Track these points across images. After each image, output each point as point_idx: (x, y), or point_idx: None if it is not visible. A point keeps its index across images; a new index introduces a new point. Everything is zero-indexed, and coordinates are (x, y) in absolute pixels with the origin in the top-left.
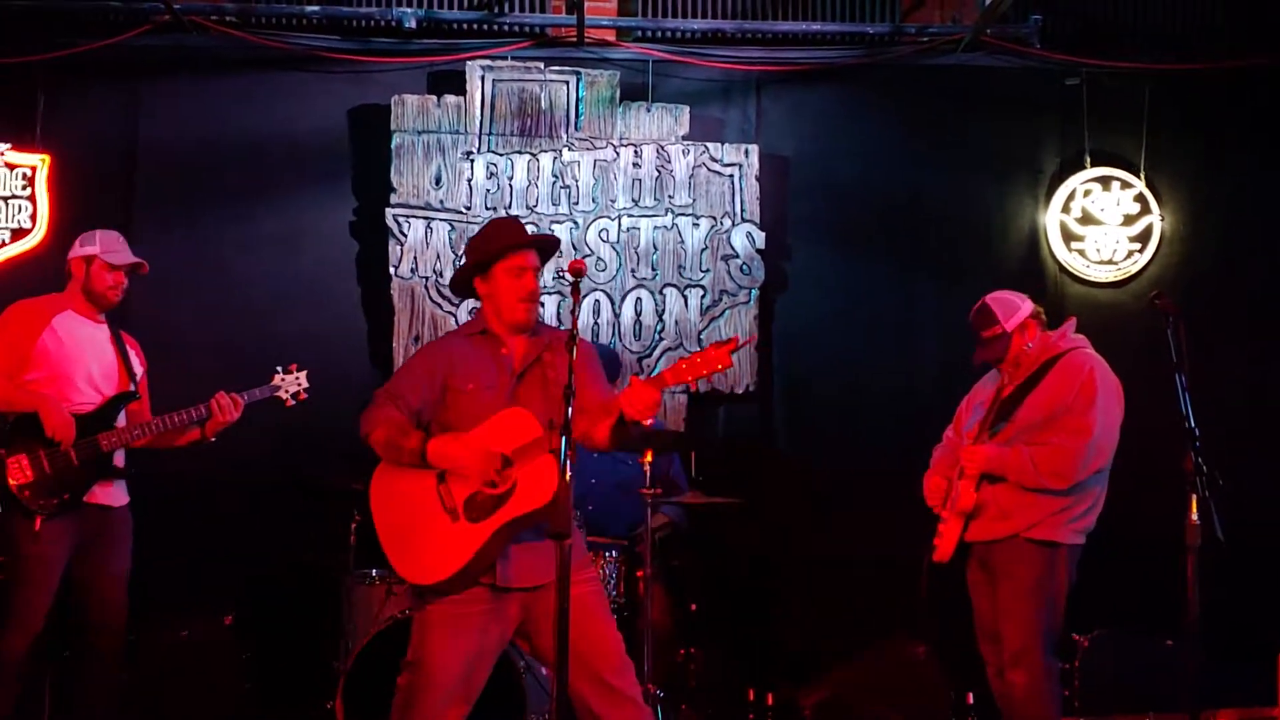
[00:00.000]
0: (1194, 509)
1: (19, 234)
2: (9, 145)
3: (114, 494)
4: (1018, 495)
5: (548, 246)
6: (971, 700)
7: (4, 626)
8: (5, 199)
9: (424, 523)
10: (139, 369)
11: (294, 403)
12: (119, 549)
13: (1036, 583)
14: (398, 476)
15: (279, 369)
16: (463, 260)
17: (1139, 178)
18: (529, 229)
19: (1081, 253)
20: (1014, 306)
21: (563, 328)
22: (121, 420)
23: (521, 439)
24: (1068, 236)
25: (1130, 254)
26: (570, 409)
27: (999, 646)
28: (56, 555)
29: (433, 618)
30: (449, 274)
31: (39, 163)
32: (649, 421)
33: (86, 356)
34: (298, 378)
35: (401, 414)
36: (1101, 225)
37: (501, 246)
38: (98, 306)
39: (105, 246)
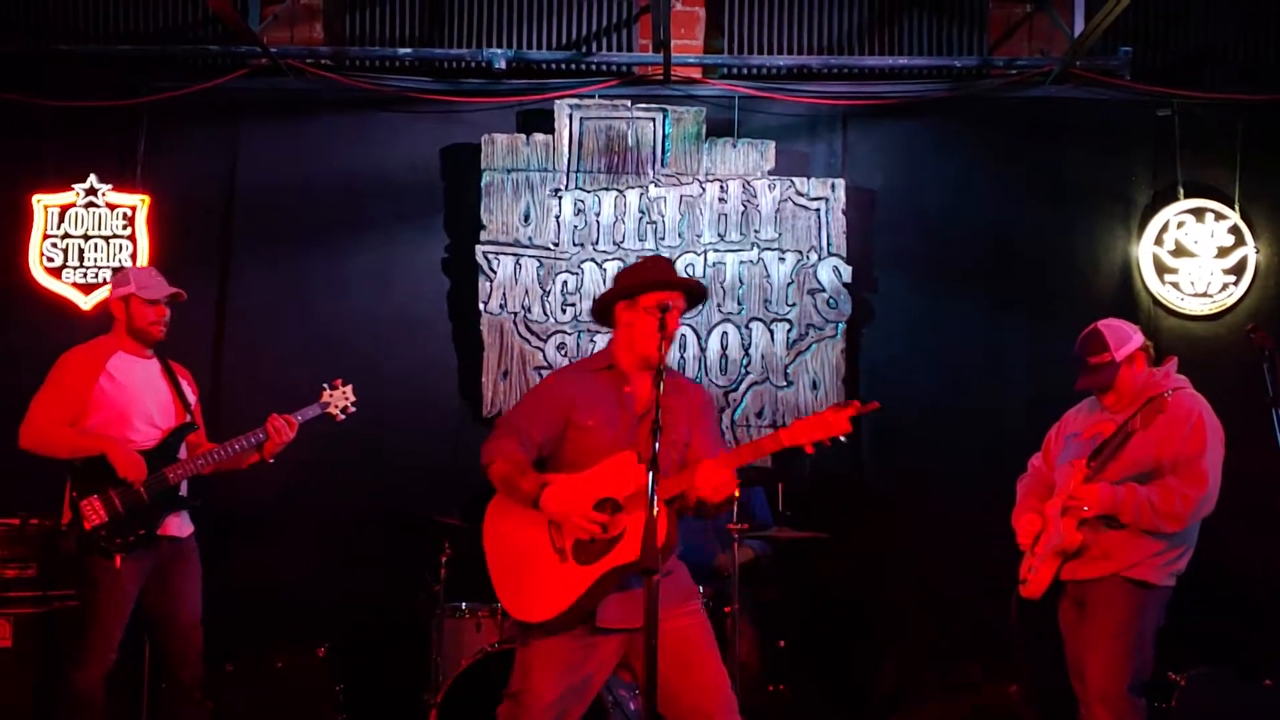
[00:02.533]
0: None
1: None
2: (110, 186)
3: (181, 525)
4: (1120, 535)
5: (696, 293)
6: None
7: (80, 659)
8: (106, 238)
9: (533, 561)
10: (192, 398)
11: (344, 417)
12: (191, 579)
13: (1127, 621)
14: (511, 511)
15: (325, 385)
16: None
17: (1233, 209)
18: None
19: (1175, 285)
20: (1126, 336)
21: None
22: (183, 451)
23: (635, 484)
24: (1161, 269)
25: (1225, 286)
26: (658, 443)
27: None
28: (132, 589)
29: (536, 651)
30: (537, 310)
31: (139, 203)
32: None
33: (143, 395)
34: (344, 392)
35: (522, 450)
36: (1195, 257)
37: (652, 280)
38: (144, 343)
39: (140, 283)
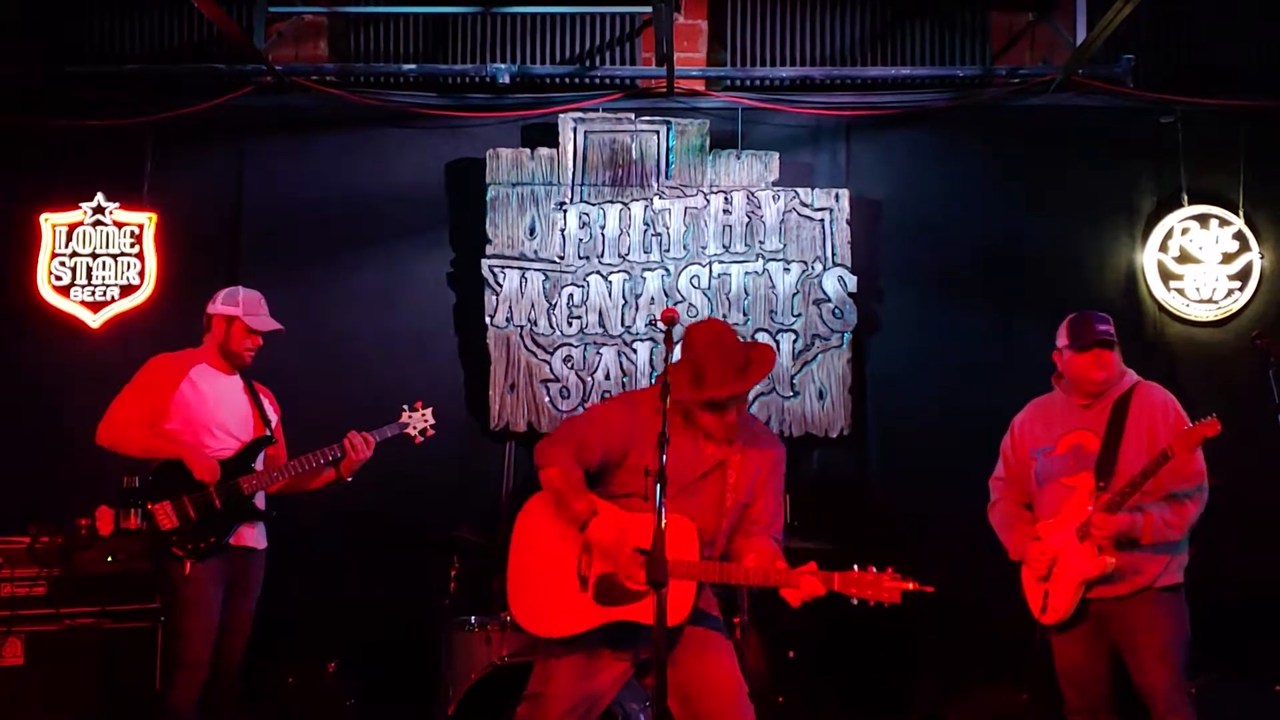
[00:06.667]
0: None
1: (128, 290)
2: (117, 204)
3: (257, 536)
4: (1142, 550)
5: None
6: None
7: (170, 676)
8: (114, 256)
9: (554, 577)
10: (273, 416)
11: (422, 439)
12: (254, 591)
13: (1175, 631)
14: (548, 519)
15: (405, 407)
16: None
17: (1238, 215)
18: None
19: (1180, 292)
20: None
21: (757, 425)
22: (260, 464)
23: (676, 553)
24: (1166, 276)
25: (1230, 292)
26: (665, 456)
27: (1085, 692)
28: (210, 597)
29: (558, 656)
30: (543, 323)
31: (146, 220)
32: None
33: (222, 405)
34: (424, 414)
35: (579, 466)
36: (1200, 264)
37: (716, 388)
38: (231, 364)
39: (248, 309)
